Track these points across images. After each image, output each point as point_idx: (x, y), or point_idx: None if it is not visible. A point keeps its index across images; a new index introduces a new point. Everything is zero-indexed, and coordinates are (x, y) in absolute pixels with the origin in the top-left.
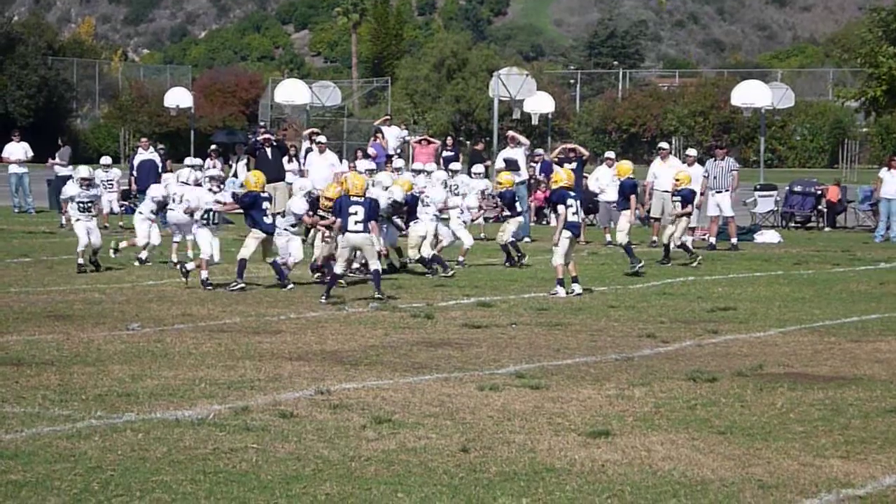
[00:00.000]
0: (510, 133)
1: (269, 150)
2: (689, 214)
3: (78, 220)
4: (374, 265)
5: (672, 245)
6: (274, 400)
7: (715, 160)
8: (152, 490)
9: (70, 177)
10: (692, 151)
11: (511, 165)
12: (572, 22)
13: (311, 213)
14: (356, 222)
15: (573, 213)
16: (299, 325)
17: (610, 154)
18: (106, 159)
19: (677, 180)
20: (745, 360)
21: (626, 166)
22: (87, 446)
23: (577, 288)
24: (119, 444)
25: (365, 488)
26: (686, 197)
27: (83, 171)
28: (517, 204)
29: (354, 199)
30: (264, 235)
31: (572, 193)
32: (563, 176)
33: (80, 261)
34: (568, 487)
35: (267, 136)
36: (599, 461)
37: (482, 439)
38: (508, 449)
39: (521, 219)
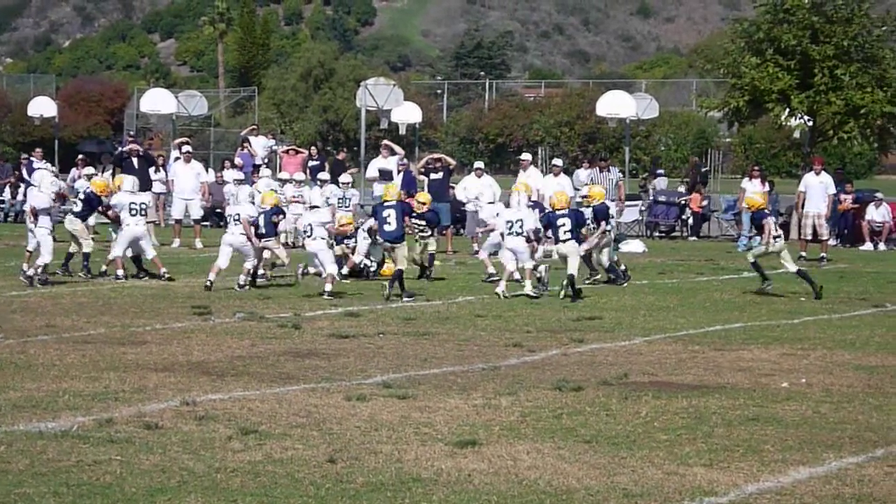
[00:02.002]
0: (385, 142)
1: (135, 161)
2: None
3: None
4: (572, 269)
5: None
6: (139, 411)
7: (600, 171)
8: (15, 502)
9: None
10: (558, 161)
11: (385, 175)
12: (439, 32)
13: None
14: (564, 232)
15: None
16: (165, 335)
17: (479, 164)
18: None
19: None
20: (611, 368)
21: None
22: None
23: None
24: None
25: (231, 500)
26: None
27: None
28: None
29: (559, 212)
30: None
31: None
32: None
33: (43, 273)
34: (435, 497)
35: (133, 145)
36: (466, 471)
37: (349, 450)
38: (375, 459)
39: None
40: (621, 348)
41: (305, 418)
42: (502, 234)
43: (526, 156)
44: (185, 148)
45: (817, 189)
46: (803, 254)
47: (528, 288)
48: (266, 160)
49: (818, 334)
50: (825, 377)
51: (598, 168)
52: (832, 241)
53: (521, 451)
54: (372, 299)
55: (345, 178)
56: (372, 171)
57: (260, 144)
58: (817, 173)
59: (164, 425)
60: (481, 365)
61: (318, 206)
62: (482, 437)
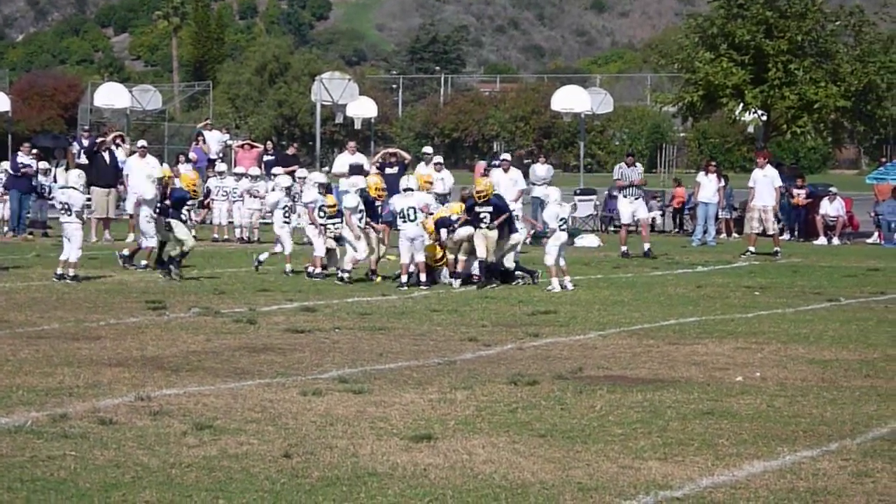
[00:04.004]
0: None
1: (106, 156)
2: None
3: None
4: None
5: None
6: (93, 407)
7: (627, 166)
8: None
9: None
10: (506, 156)
11: (356, 170)
12: (394, 27)
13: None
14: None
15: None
16: (119, 330)
17: (438, 159)
18: None
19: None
20: (566, 363)
21: None
22: None
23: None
24: None
25: (186, 495)
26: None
27: None
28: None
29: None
30: None
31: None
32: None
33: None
34: (390, 492)
35: (105, 138)
36: (421, 465)
37: (304, 444)
38: (331, 454)
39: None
40: (576, 342)
41: (261, 413)
42: (549, 231)
43: (427, 149)
44: (141, 142)
45: (763, 183)
46: (751, 249)
47: (567, 282)
48: (220, 155)
49: (772, 328)
50: (779, 371)
51: (625, 163)
52: (786, 236)
53: (476, 446)
54: (328, 294)
55: (301, 172)
56: (341, 166)
57: (214, 139)
58: (761, 167)
59: (118, 420)
60: (437, 359)
61: (411, 189)
62: (437, 432)
